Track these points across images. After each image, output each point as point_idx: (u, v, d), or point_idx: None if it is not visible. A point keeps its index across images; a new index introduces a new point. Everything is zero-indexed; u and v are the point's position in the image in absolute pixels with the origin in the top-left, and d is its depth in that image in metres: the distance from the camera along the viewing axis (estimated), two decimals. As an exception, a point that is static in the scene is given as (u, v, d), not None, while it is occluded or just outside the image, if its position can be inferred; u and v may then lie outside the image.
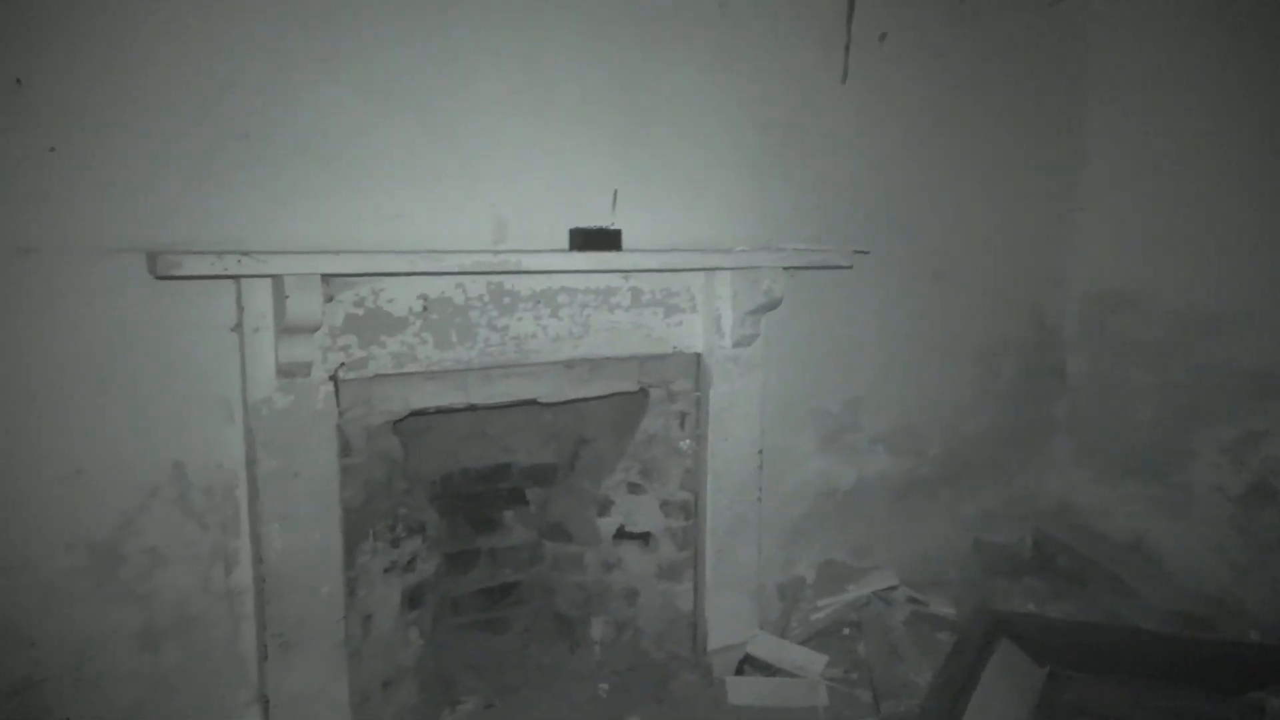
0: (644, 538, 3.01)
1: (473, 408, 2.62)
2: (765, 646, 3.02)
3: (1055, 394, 3.93)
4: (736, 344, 2.89)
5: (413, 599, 2.61)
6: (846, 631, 3.20)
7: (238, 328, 2.17)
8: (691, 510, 2.98)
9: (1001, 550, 3.78)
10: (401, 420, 2.51)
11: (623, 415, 3.02)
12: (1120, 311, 3.75)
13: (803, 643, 3.09)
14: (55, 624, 2.08)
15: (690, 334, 2.88)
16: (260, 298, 2.14)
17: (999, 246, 3.65)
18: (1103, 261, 3.79)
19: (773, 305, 2.83)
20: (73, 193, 2.00)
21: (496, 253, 2.39)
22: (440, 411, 2.58)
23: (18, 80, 1.91)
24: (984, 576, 3.63)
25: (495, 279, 2.49)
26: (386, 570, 2.53)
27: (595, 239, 2.56)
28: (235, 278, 2.11)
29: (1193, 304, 3.52)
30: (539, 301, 2.58)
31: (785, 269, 2.82)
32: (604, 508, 3.01)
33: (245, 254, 1.98)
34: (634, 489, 3.00)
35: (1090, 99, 3.76)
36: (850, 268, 3.05)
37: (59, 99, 1.96)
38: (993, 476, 3.80)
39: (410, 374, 2.42)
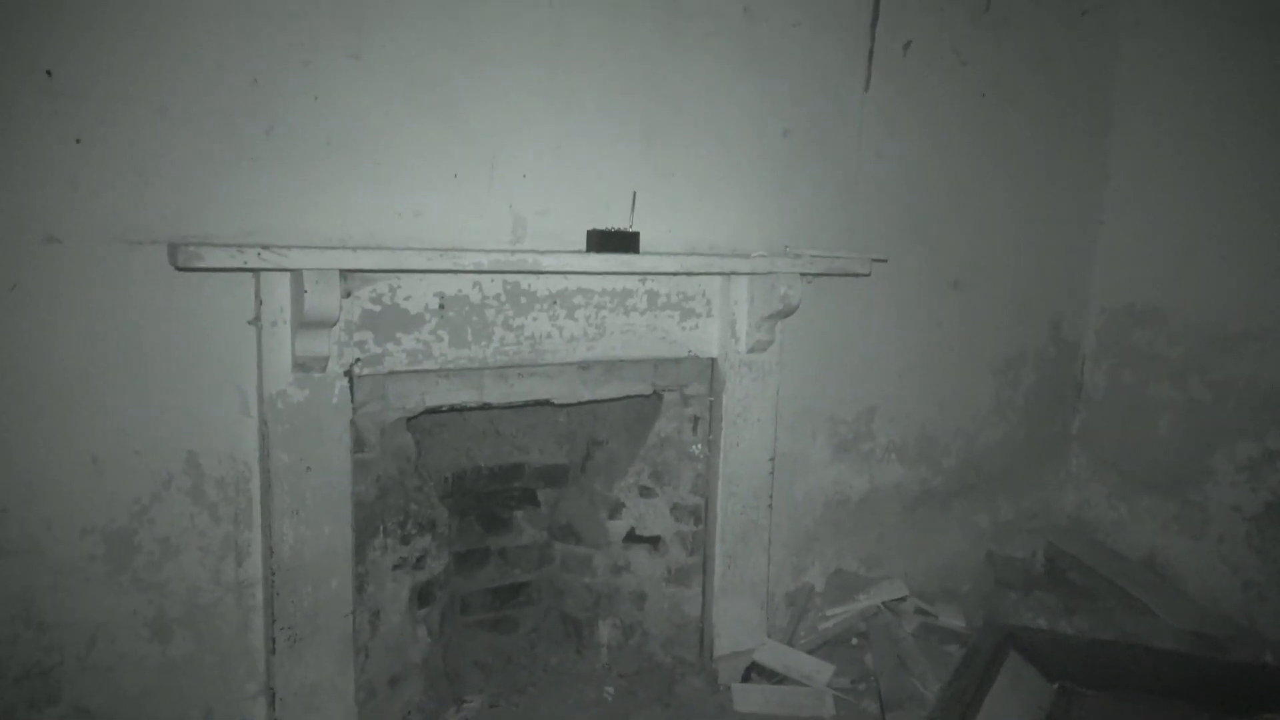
0: (654, 541, 3.00)
1: (486, 406, 2.62)
2: (773, 654, 3.01)
3: (1072, 407, 3.90)
4: (751, 349, 2.88)
5: (422, 596, 2.61)
6: (855, 641, 3.19)
7: (255, 321, 2.18)
8: (702, 515, 2.98)
9: (1013, 564, 3.75)
10: (415, 417, 2.52)
11: (636, 418, 3.01)
12: (1141, 326, 3.72)
13: (810, 651, 3.07)
14: (67, 609, 2.09)
15: (705, 338, 2.87)
16: (279, 291, 2.16)
17: (1020, 258, 3.62)
18: (1125, 275, 3.76)
19: (789, 311, 2.82)
20: (98, 184, 2.01)
21: (514, 252, 2.40)
22: (454, 409, 2.59)
23: (48, 72, 1.93)
24: (995, 590, 3.61)
25: (512, 279, 2.50)
26: (396, 567, 2.54)
27: (613, 241, 2.55)
28: (255, 271, 2.13)
29: (1214, 320, 3.49)
30: (555, 302, 2.58)
31: (803, 275, 2.81)
32: (615, 510, 3.00)
33: (265, 248, 1.99)
34: (645, 492, 3.00)
35: (1117, 111, 3.74)
36: (868, 275, 3.04)
37: (86, 91, 1.98)
38: (1007, 489, 3.77)
39: (425, 371, 2.43)
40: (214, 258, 1.95)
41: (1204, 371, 3.53)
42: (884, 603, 3.26)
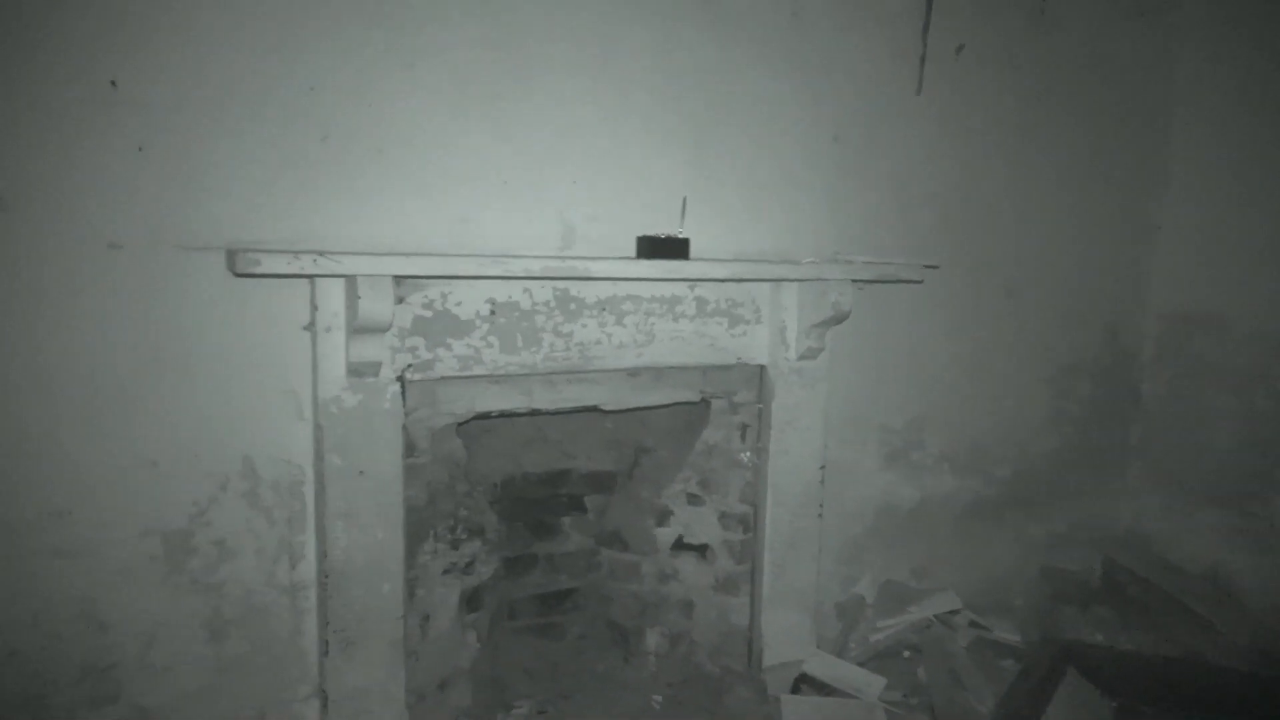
0: (701, 549, 2.98)
1: (535, 412, 2.63)
2: (822, 666, 2.97)
3: (1129, 417, 3.81)
4: (801, 356, 2.86)
5: (471, 601, 2.62)
6: (906, 654, 3.13)
7: (310, 326, 2.21)
8: (750, 523, 2.95)
9: (1070, 577, 3.66)
10: (465, 423, 2.53)
11: (683, 425, 3.00)
12: (1202, 334, 3.62)
13: (861, 664, 3.03)
14: (127, 610, 2.13)
15: (755, 345, 2.85)
16: (333, 297, 2.18)
17: (1075, 264, 3.55)
18: (1184, 282, 3.67)
19: (840, 319, 2.79)
20: (158, 191, 2.06)
21: (564, 258, 2.40)
22: (503, 415, 2.60)
23: (112, 82, 1.97)
24: (1050, 604, 3.53)
25: (561, 285, 2.50)
26: (446, 571, 2.55)
27: (663, 247, 2.55)
28: (310, 277, 2.16)
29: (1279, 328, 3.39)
30: (604, 308, 2.58)
31: (854, 282, 2.78)
32: (662, 517, 2.99)
33: (321, 254, 2.01)
34: (693, 500, 2.98)
35: (1176, 113, 3.65)
36: (921, 282, 3.00)
37: (149, 100, 2.02)
38: (1062, 500, 3.69)
39: (475, 377, 2.44)
40: (271, 264, 1.98)
41: (1268, 380, 3.42)
42: (936, 615, 3.20)
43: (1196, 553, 3.63)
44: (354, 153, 2.25)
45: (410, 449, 2.38)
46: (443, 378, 2.39)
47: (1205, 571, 3.59)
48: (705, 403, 2.89)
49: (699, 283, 2.71)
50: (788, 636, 2.97)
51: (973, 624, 3.26)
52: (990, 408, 3.45)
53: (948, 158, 3.18)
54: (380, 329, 2.17)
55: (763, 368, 2.88)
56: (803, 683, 2.94)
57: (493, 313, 2.42)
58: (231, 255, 2.02)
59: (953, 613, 3.25)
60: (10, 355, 1.97)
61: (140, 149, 2.03)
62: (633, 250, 2.60)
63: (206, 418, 2.17)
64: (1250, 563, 3.48)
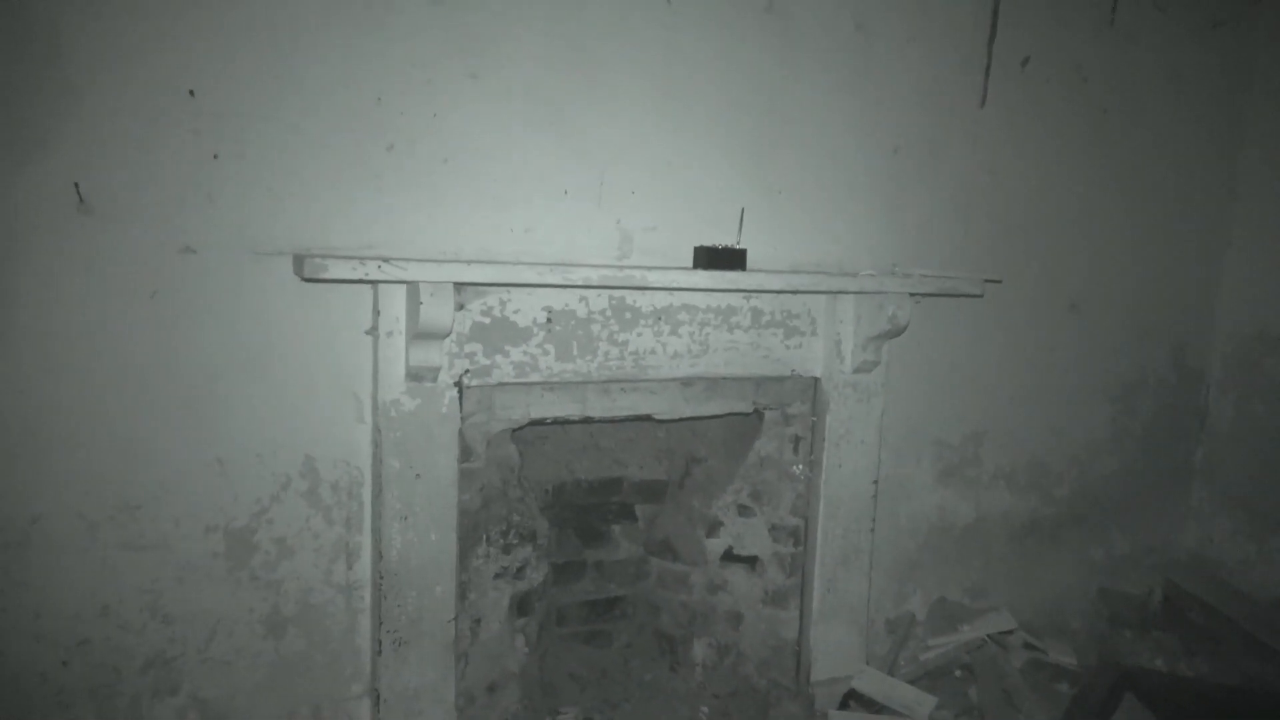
0: (751, 561, 2.97)
1: (588, 420, 2.64)
2: (871, 682, 2.93)
3: (1195, 438, 3.71)
4: (856, 370, 2.83)
5: (521, 606, 2.64)
6: (958, 674, 3.08)
7: (372, 330, 2.25)
8: (801, 536, 2.93)
9: (1128, 601, 3.58)
10: (519, 429, 2.55)
11: (736, 436, 2.99)
12: (1272, 354, 3.51)
13: (911, 682, 2.98)
14: (190, 603, 2.19)
15: (809, 357, 2.83)
16: (396, 303, 2.22)
17: (1141, 280, 3.47)
18: (1255, 301, 3.56)
19: (897, 332, 2.76)
20: (231, 198, 2.11)
21: (621, 268, 2.41)
22: (556, 422, 2.62)
23: (190, 92, 2.04)
24: (1108, 627, 3.45)
25: (618, 294, 2.51)
26: (497, 575, 2.57)
27: (720, 258, 2.54)
28: (373, 283, 2.20)
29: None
30: (660, 318, 2.59)
31: (911, 295, 2.75)
32: (712, 528, 2.98)
33: (385, 260, 2.05)
34: (743, 511, 2.97)
35: (1249, 128, 3.56)
36: (981, 296, 2.96)
37: (224, 110, 2.08)
38: (1122, 522, 3.61)
39: (531, 384, 2.46)
40: (337, 269, 2.02)
41: (1343, 404, 3.32)
42: (990, 635, 3.15)
43: (1265, 580, 3.53)
44: (419, 162, 2.29)
45: (466, 453, 2.41)
46: (499, 384, 2.42)
47: (1272, 599, 3.48)
48: (758, 414, 2.88)
49: (755, 294, 2.70)
50: (837, 652, 2.94)
51: (1027, 645, 3.20)
52: (1050, 425, 3.38)
53: (1011, 171, 3.13)
54: (440, 335, 2.20)
55: (817, 380, 2.86)
56: (851, 699, 2.91)
57: (549, 320, 2.44)
58: (299, 260, 2.07)
59: (1007, 633, 3.19)
60: (89, 354, 2.04)
61: (216, 156, 2.08)
62: (689, 261, 2.60)
63: (271, 418, 2.22)
64: (1320, 592, 3.37)
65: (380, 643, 2.32)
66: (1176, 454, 3.69)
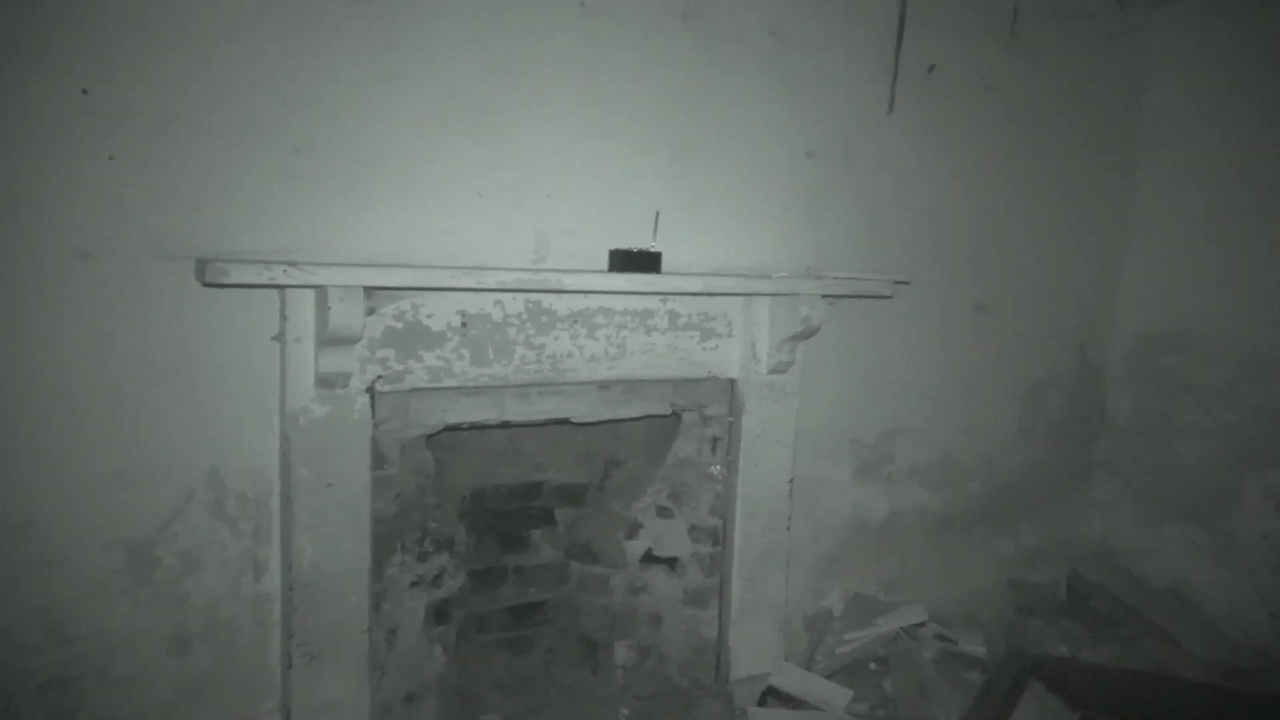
0: (671, 562, 2.99)
1: (507, 425, 2.63)
2: (790, 678, 2.98)
3: (1097, 433, 3.86)
4: (772, 370, 2.87)
5: (439, 614, 2.61)
6: (873, 667, 3.15)
7: (280, 337, 2.20)
8: (720, 537, 2.96)
9: (1036, 591, 3.70)
10: (435, 434, 2.53)
11: (655, 438, 3.01)
12: (1171, 351, 3.68)
13: (828, 676, 3.04)
14: (91, 622, 2.10)
15: (726, 359, 2.87)
16: (304, 308, 2.17)
17: (1045, 281, 3.60)
18: (1154, 300, 3.72)
19: (811, 333, 2.81)
20: (130, 201, 2.04)
21: (538, 271, 2.40)
22: (474, 427, 2.60)
23: (84, 90, 1.96)
24: (1017, 617, 3.56)
25: (534, 297, 2.50)
26: (413, 584, 2.54)
27: (635, 261, 2.56)
28: (280, 287, 2.15)
29: (1247, 346, 3.45)
30: (576, 321, 2.58)
31: (825, 296, 2.80)
32: (632, 530, 2.99)
33: (291, 264, 2.01)
34: (663, 512, 2.99)
35: (1146, 135, 3.72)
36: (891, 297, 3.03)
37: (121, 109, 2.00)
38: (1030, 515, 3.73)
39: (446, 389, 2.43)
40: (240, 274, 1.97)
41: (1234, 398, 3.48)
42: (903, 628, 3.23)
43: (1162, 567, 3.68)
44: (329, 165, 2.24)
45: (379, 461, 2.37)
46: (414, 389, 2.38)
47: (1170, 586, 3.64)
48: (677, 416, 2.90)
49: (672, 296, 2.72)
50: (756, 649, 2.98)
51: (939, 636, 3.29)
52: (961, 422, 3.48)
53: (919, 176, 3.22)
54: (350, 340, 2.17)
55: (734, 381, 2.90)
56: (770, 695, 2.96)
57: (464, 325, 2.42)
58: (201, 265, 2.01)
59: (920, 625, 3.28)
60: (-27, 364, 1.95)
61: (112, 157, 2.01)
62: (606, 264, 2.61)
63: (173, 429, 2.15)
64: (1214, 577, 3.53)
65: (291, 656, 2.26)
66: (1081, 448, 3.84)
